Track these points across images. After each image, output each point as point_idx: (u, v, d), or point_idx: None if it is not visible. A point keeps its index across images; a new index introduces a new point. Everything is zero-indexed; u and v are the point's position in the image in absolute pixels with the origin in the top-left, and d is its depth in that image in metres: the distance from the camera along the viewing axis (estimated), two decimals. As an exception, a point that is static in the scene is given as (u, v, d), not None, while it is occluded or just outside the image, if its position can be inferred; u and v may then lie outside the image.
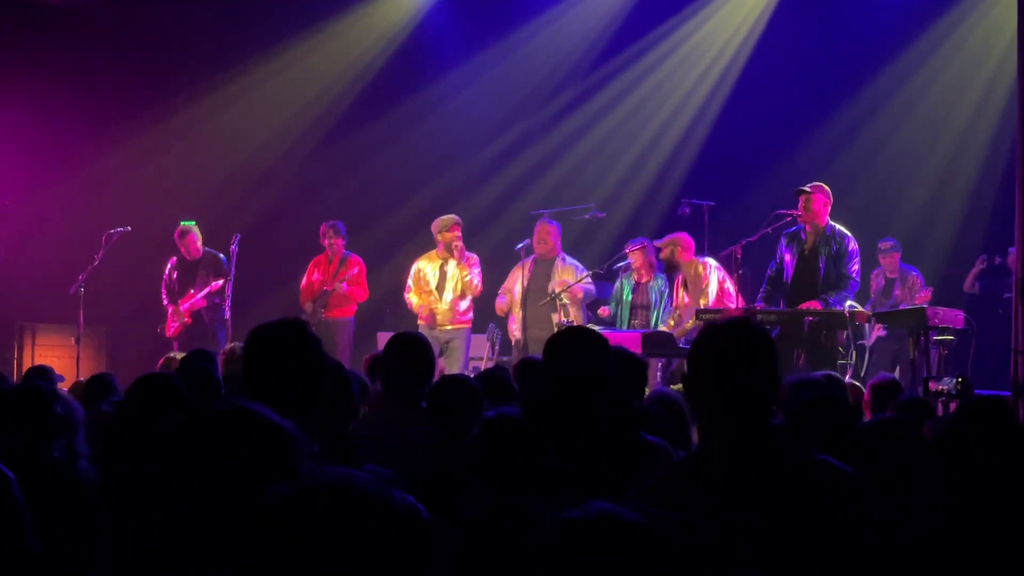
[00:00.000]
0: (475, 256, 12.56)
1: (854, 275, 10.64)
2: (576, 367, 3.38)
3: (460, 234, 12.41)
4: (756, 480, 3.17)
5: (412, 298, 12.54)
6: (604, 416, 3.14)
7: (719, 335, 3.30)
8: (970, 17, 14.26)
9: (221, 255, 12.95)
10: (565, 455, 3.10)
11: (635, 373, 5.26)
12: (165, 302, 13.11)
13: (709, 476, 3.20)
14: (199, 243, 13.05)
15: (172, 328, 12.93)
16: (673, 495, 3.21)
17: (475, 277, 12.37)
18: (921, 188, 14.43)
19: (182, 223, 13.14)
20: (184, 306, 12.87)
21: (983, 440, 3.56)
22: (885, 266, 13.22)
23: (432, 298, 12.40)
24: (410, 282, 12.59)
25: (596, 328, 10.50)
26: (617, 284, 12.39)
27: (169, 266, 13.18)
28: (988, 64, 14.17)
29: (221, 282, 12.77)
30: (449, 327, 12.38)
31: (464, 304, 12.42)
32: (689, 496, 3.18)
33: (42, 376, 7.15)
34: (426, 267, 12.53)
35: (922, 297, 12.47)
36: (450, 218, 12.51)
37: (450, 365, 12.02)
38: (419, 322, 12.42)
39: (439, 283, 12.42)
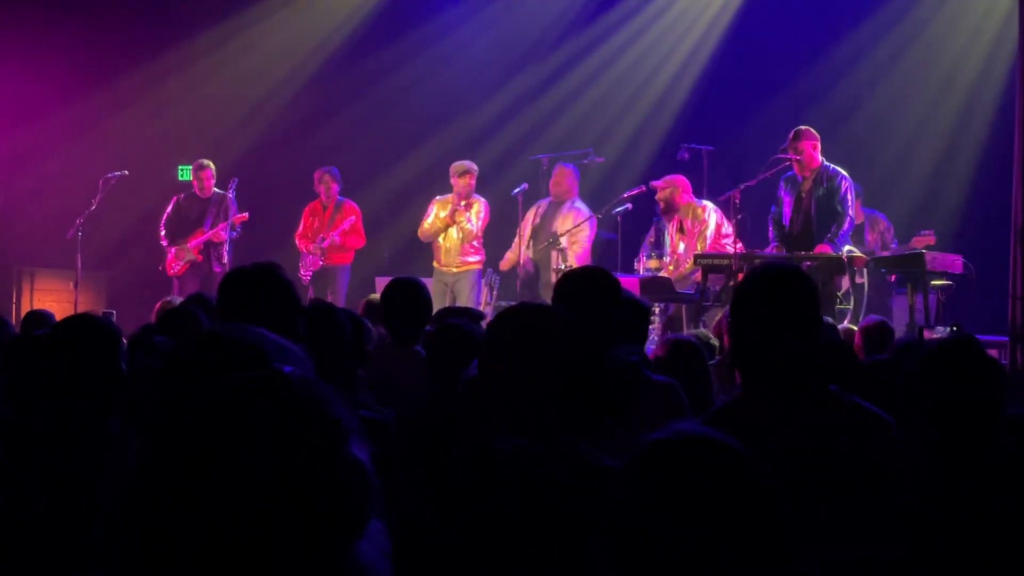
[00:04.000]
0: (483, 201, 12.60)
1: (848, 210, 10.65)
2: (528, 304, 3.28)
3: (471, 183, 12.50)
4: (801, 427, 3.20)
5: (425, 226, 12.68)
6: (544, 349, 3.04)
7: (765, 280, 3.31)
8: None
9: (230, 194, 12.92)
10: (519, 393, 3.01)
11: (636, 317, 5.18)
12: (164, 241, 13.07)
13: (753, 421, 3.19)
14: (213, 181, 13.03)
15: (176, 266, 12.90)
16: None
17: (473, 224, 12.40)
18: (908, 131, 14.33)
19: (200, 159, 13.12)
20: (194, 242, 12.83)
21: (949, 377, 3.58)
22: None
23: (442, 237, 12.53)
24: (424, 222, 12.69)
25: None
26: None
27: (173, 203, 13.13)
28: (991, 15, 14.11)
29: (247, 215, 12.76)
30: (455, 269, 12.50)
31: (470, 247, 12.48)
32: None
33: (39, 322, 7.14)
34: (439, 208, 12.59)
35: (921, 240, 12.38)
36: (462, 164, 12.60)
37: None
38: (433, 264, 12.61)
39: (447, 225, 12.50)
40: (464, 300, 12.18)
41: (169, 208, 13.15)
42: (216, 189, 13.05)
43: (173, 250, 12.97)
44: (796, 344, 3.23)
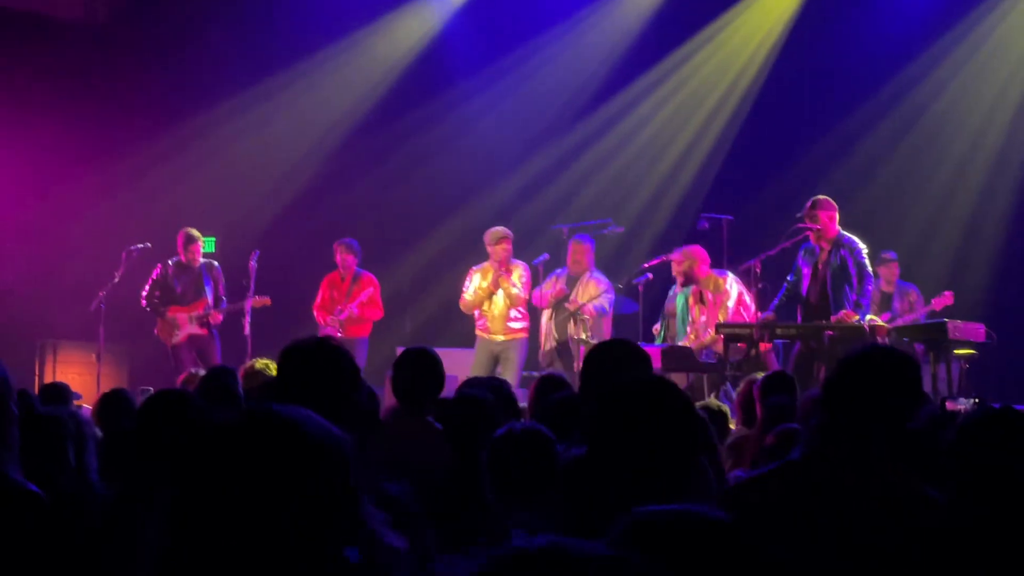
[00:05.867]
0: (523, 264, 12.65)
1: (866, 270, 10.66)
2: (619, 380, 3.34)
3: (509, 248, 12.52)
4: (856, 495, 3.29)
5: (467, 297, 12.67)
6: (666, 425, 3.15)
7: (876, 357, 3.51)
8: (990, 33, 14.20)
9: (216, 263, 12.97)
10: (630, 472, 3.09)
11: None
12: (145, 303, 12.95)
13: (813, 481, 3.32)
14: (201, 252, 13.07)
15: (181, 334, 12.87)
16: (774, 492, 3.33)
17: (519, 289, 12.44)
18: (929, 203, 14.33)
19: (188, 229, 13.08)
20: (196, 313, 12.85)
21: (987, 446, 3.58)
22: (883, 277, 12.99)
23: (485, 306, 12.55)
24: (465, 292, 12.69)
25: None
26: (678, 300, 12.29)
27: (159, 271, 13.03)
28: (1004, 79, 14.15)
29: (269, 299, 12.77)
30: (502, 337, 12.51)
31: (515, 314, 12.51)
32: (790, 496, 3.30)
33: (57, 394, 7.12)
34: (479, 280, 12.62)
35: (940, 301, 12.32)
36: (498, 231, 12.62)
37: (505, 374, 12.12)
38: (477, 333, 12.62)
39: (491, 293, 12.54)
40: (512, 368, 12.25)
41: (155, 275, 13.06)
42: (203, 259, 13.08)
43: (175, 317, 12.89)
44: (887, 420, 3.41)
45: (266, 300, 12.75)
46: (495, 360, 12.44)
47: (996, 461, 3.52)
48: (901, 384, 3.45)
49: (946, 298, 12.37)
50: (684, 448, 3.14)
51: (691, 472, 3.18)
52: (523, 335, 12.60)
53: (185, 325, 12.88)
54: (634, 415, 3.15)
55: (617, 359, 4.45)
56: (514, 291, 12.46)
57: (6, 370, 3.49)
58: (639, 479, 3.06)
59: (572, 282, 12.57)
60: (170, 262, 13.09)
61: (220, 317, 12.92)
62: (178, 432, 4.16)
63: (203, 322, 12.87)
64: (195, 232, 13.07)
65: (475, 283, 12.66)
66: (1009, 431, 3.59)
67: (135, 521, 3.94)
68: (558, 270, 12.72)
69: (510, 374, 12.17)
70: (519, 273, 12.59)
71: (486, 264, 12.68)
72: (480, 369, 12.00)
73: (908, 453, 4.12)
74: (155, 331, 13.04)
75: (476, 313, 12.68)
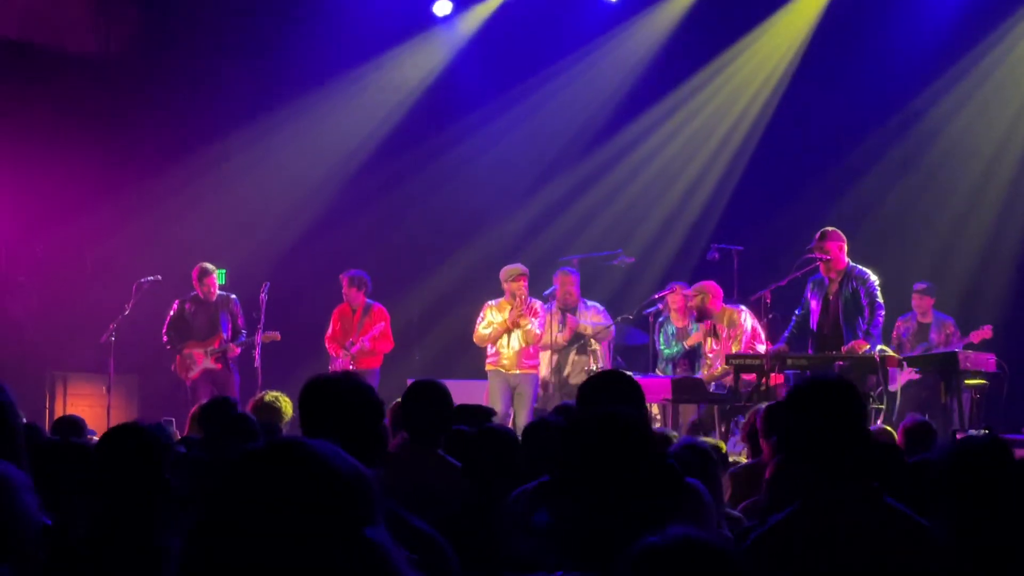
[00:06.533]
0: (538, 302, 12.63)
1: (877, 300, 10.65)
2: (592, 410, 3.38)
3: (525, 284, 12.50)
4: (858, 539, 3.28)
5: (482, 331, 12.64)
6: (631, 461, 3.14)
7: (814, 392, 3.44)
8: (1001, 62, 14.22)
9: (233, 295, 13.00)
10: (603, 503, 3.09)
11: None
12: (167, 344, 13.04)
13: (812, 533, 3.30)
14: (217, 286, 13.10)
15: (196, 370, 12.92)
16: (776, 550, 3.30)
17: (535, 326, 12.44)
18: (940, 233, 14.32)
19: (203, 263, 13.15)
20: (210, 349, 12.88)
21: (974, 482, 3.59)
22: (917, 308, 13.00)
23: (502, 341, 12.52)
24: (479, 324, 12.67)
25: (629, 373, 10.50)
26: (659, 334, 12.35)
27: (177, 307, 13.11)
28: (1017, 107, 14.16)
29: (279, 334, 12.80)
30: (517, 371, 12.48)
31: (531, 350, 12.53)
32: (793, 552, 3.29)
33: (72, 428, 7.08)
34: (494, 315, 12.60)
35: (979, 334, 12.22)
36: (515, 268, 12.60)
37: (518, 408, 12.29)
38: (488, 367, 12.58)
39: (508, 330, 12.53)
40: (526, 402, 12.28)
41: (172, 311, 13.13)
42: (220, 292, 13.12)
43: (190, 353, 12.95)
44: (846, 453, 3.35)
45: (275, 335, 12.77)
46: (510, 393, 12.44)
47: (976, 490, 3.54)
48: (836, 408, 3.40)
49: (985, 331, 12.28)
50: (641, 481, 3.13)
51: (662, 503, 3.17)
52: (536, 371, 12.60)
53: (201, 360, 12.91)
54: (590, 447, 3.19)
55: (612, 391, 4.51)
56: (534, 330, 12.46)
57: (12, 397, 3.48)
58: (599, 511, 3.08)
59: (568, 311, 12.60)
60: (187, 297, 13.15)
61: (238, 351, 12.93)
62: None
63: (219, 357, 12.90)
64: (209, 266, 13.11)
65: (489, 318, 12.65)
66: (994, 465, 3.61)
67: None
68: (549, 305, 12.68)
69: (523, 408, 12.22)
70: (537, 312, 12.61)
71: (501, 300, 12.66)
72: (497, 401, 12.06)
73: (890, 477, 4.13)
74: (172, 367, 13.07)
75: (489, 347, 12.69)
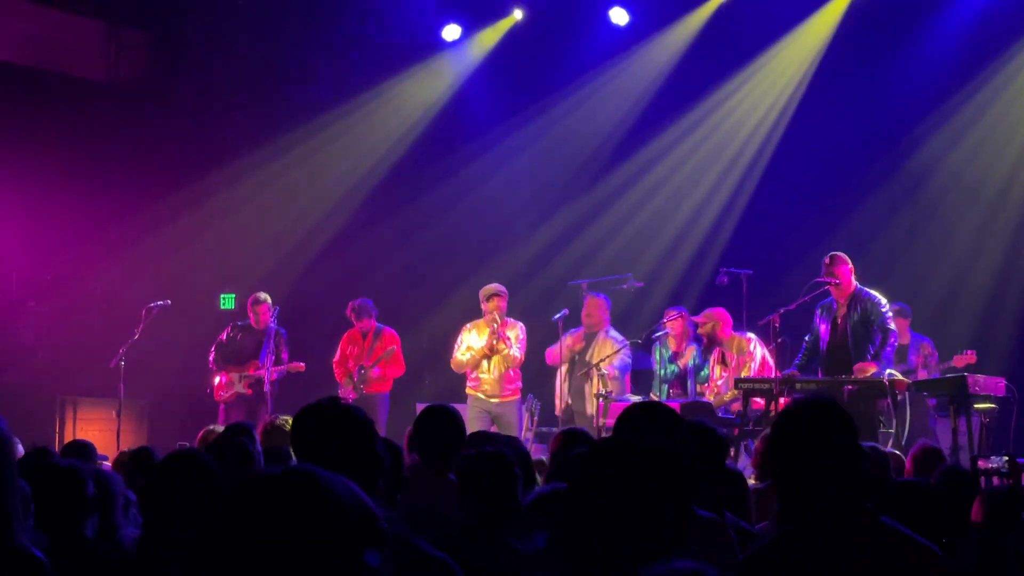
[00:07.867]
0: (519, 324, 12.56)
1: (888, 326, 10.66)
2: (625, 438, 3.33)
3: (503, 305, 12.43)
4: (852, 560, 3.23)
5: (459, 357, 12.57)
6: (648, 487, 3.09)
7: (804, 413, 3.35)
8: (1011, 86, 14.21)
9: (282, 329, 13.08)
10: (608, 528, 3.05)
11: (711, 446, 5.04)
12: (212, 365, 13.18)
13: (803, 557, 3.24)
14: (270, 315, 13.15)
15: (226, 392, 12.98)
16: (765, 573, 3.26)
17: (516, 349, 12.36)
18: (951, 256, 14.30)
19: (258, 293, 13.29)
20: (250, 373, 12.93)
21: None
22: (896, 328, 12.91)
23: (482, 366, 12.45)
24: (457, 350, 12.61)
25: (637, 398, 10.54)
26: (655, 355, 12.40)
27: (228, 331, 13.30)
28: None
29: (303, 365, 12.85)
30: (497, 399, 12.41)
31: (511, 375, 12.45)
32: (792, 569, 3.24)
33: (81, 452, 7.10)
34: (472, 338, 12.54)
35: (962, 359, 12.22)
36: (491, 288, 12.55)
37: None
38: (468, 391, 12.48)
39: (485, 355, 12.46)
40: (510, 430, 12.02)
41: (223, 335, 13.31)
42: (271, 323, 13.16)
43: (222, 377, 13.03)
44: (837, 474, 3.26)
45: (300, 366, 12.96)
46: (489, 420, 12.26)
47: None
48: (822, 428, 3.34)
49: (968, 356, 12.22)
50: (650, 510, 3.08)
51: (677, 533, 3.13)
52: (518, 396, 12.48)
53: (233, 384, 12.98)
54: (599, 476, 3.14)
55: (650, 419, 4.45)
56: (513, 353, 12.36)
57: (9, 433, 3.49)
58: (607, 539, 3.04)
59: (588, 338, 12.53)
60: (239, 323, 13.32)
61: (273, 376, 12.92)
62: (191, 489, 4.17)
63: (252, 383, 12.95)
64: (263, 295, 13.28)
65: (468, 342, 12.54)
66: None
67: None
68: (573, 329, 12.64)
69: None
70: (516, 334, 12.50)
71: (479, 321, 12.60)
72: (475, 428, 11.93)
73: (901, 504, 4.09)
74: (207, 389, 13.19)
75: (469, 371, 12.61)
